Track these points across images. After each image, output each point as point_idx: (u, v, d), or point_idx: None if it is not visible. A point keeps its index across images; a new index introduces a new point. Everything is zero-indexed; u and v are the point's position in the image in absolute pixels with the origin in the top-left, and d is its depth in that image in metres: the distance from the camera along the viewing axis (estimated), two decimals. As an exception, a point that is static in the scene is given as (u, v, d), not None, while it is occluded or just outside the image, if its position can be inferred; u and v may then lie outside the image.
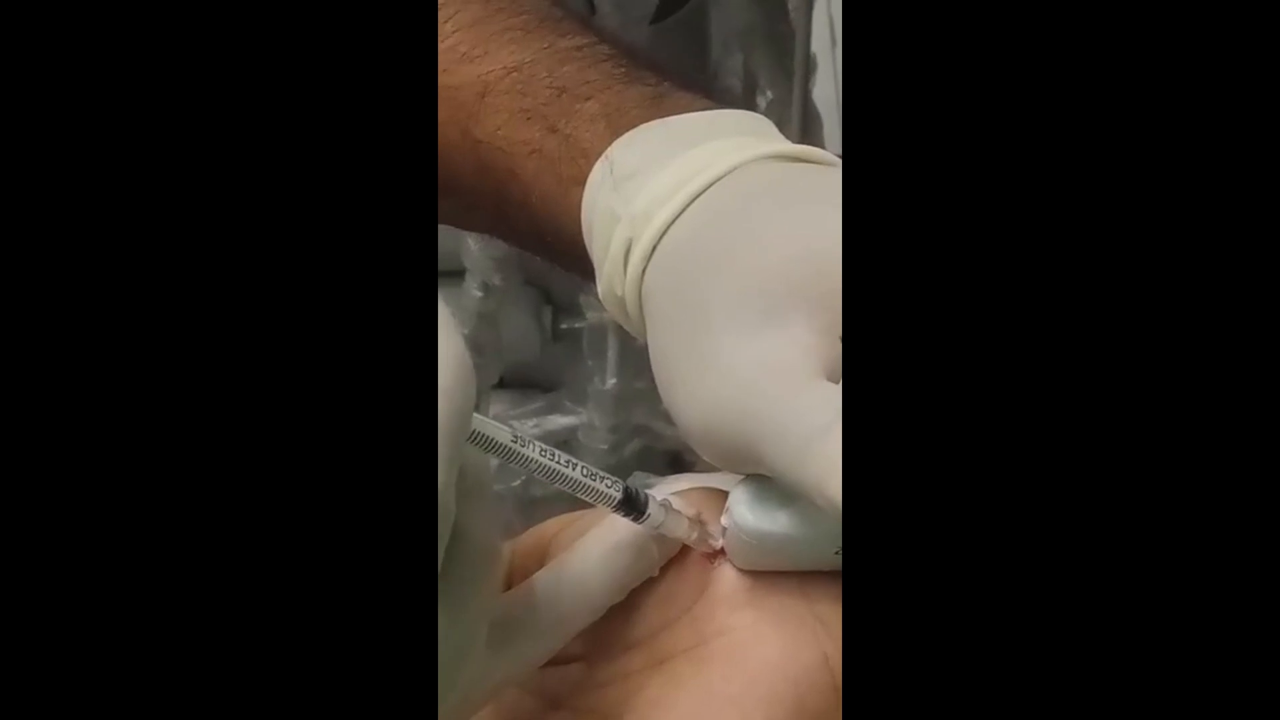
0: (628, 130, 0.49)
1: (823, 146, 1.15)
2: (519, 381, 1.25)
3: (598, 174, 0.49)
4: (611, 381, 1.12)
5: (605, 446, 1.14)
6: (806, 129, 1.10)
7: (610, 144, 0.49)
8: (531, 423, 1.18)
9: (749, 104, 1.17)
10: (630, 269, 0.47)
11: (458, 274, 1.14)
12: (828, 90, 1.30)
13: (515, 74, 0.53)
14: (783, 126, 1.12)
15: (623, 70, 0.52)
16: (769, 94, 1.14)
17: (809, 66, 1.10)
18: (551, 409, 1.18)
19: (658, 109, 0.50)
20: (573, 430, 1.17)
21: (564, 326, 1.18)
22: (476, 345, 1.16)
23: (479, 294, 1.14)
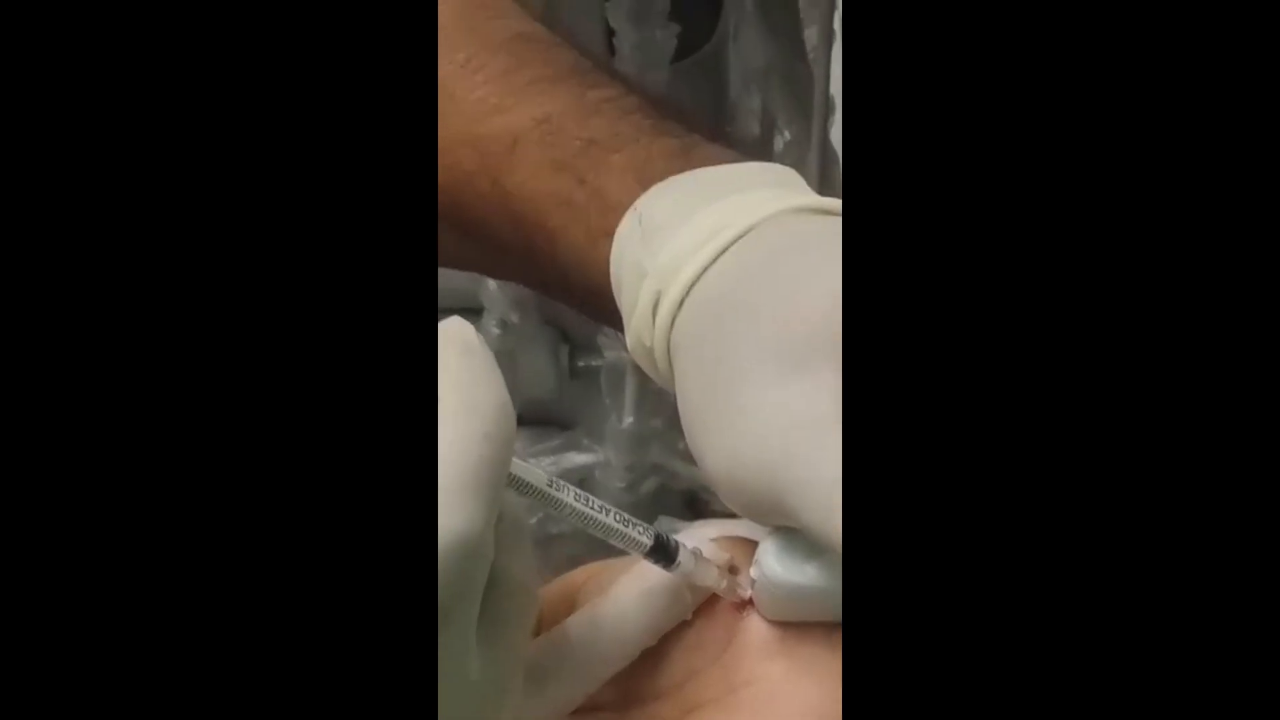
0: (656, 182, 0.50)
1: (840, 186, 1.15)
2: (536, 419, 1.24)
3: (626, 226, 0.49)
4: (629, 420, 1.12)
5: (622, 485, 1.14)
6: (824, 170, 1.10)
7: (638, 197, 0.50)
8: (549, 460, 1.18)
9: (767, 144, 1.18)
10: (659, 321, 0.48)
11: (475, 311, 1.14)
12: (846, 131, 1.30)
13: (544, 125, 0.53)
14: (800, 167, 1.12)
15: (650, 122, 0.52)
16: (787, 134, 1.14)
17: (828, 108, 1.10)
18: (569, 447, 1.18)
19: (685, 161, 0.50)
20: (590, 469, 1.17)
21: (581, 364, 1.18)
22: (494, 383, 1.15)
23: (497, 331, 1.14)
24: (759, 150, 1.18)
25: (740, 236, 0.47)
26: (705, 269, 0.47)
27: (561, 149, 0.52)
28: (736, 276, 0.46)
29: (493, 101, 0.54)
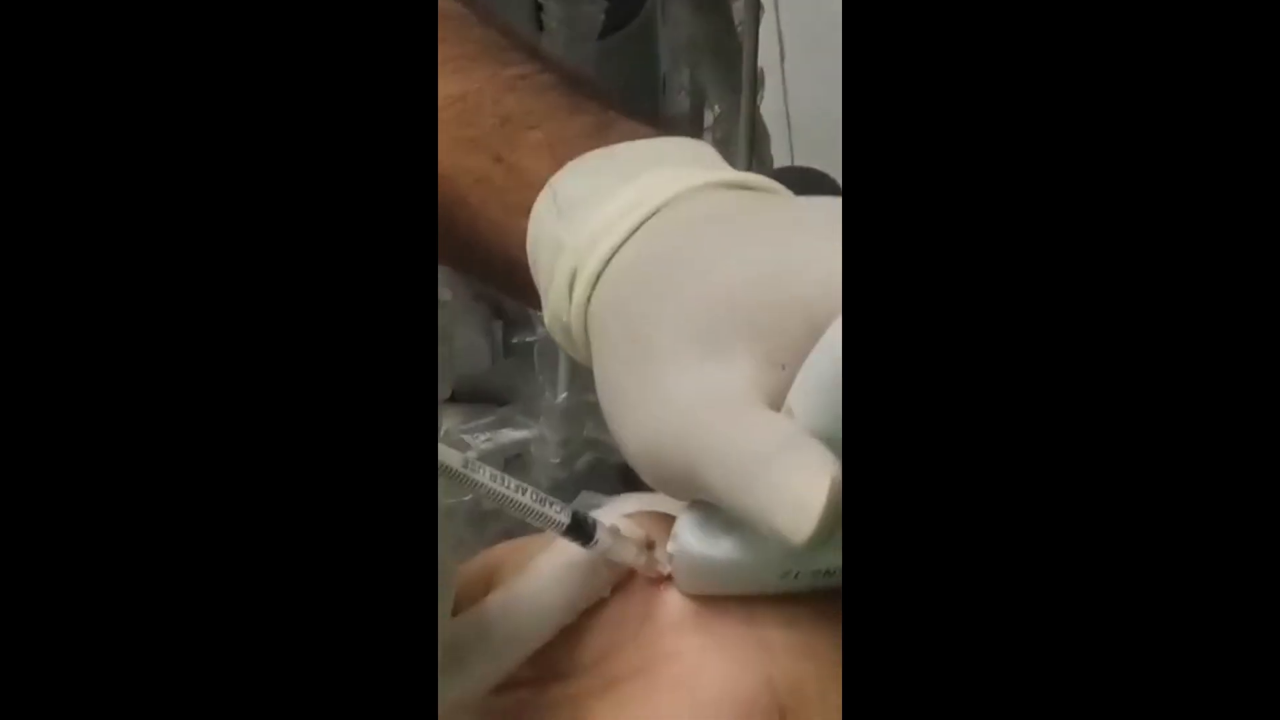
0: (571, 159, 0.50)
1: (770, 158, 1.15)
2: (471, 395, 1.25)
3: (542, 203, 0.49)
4: (563, 396, 1.12)
5: (557, 460, 1.14)
6: (754, 142, 1.10)
7: (555, 173, 0.50)
8: (484, 437, 1.18)
9: (697, 118, 1.18)
10: (575, 297, 0.48)
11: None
12: (776, 104, 1.31)
13: (460, 104, 0.53)
14: (731, 140, 1.12)
15: (567, 99, 0.52)
16: (717, 108, 1.15)
17: (756, 81, 1.11)
18: (503, 423, 1.18)
19: (601, 138, 0.50)
20: (525, 444, 1.17)
21: (515, 341, 1.18)
22: (428, 360, 1.15)
23: (430, 309, 1.14)
24: (690, 125, 1.18)
25: (655, 212, 0.47)
26: (621, 244, 0.47)
27: (477, 127, 0.52)
28: (651, 253, 0.46)
29: None
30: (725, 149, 1.15)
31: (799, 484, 0.39)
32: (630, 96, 1.11)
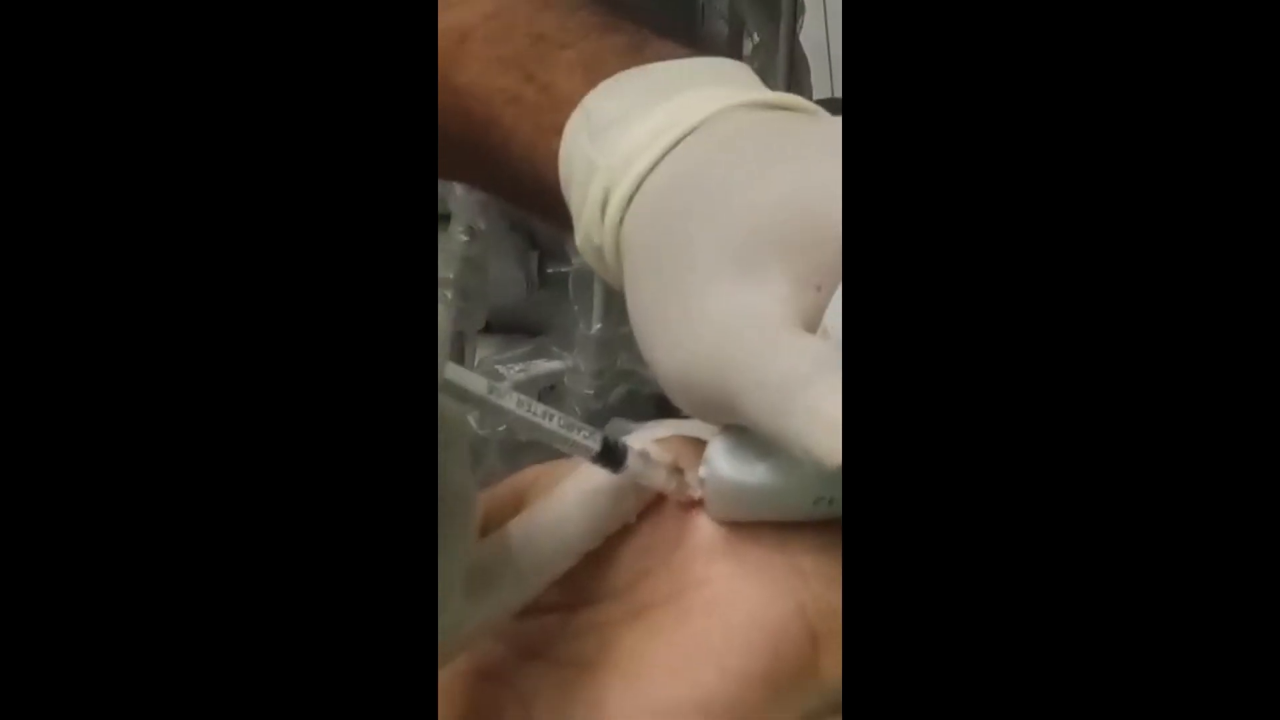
0: (605, 78, 0.49)
1: (809, 89, 1.14)
2: (505, 326, 1.25)
3: (575, 123, 0.49)
4: (597, 327, 1.12)
5: (591, 391, 1.14)
6: (793, 72, 1.09)
7: (588, 93, 0.49)
8: (518, 367, 1.18)
9: (736, 47, 1.17)
10: (608, 218, 0.47)
11: (443, 218, 1.14)
12: (816, 33, 1.29)
13: (494, 21, 0.52)
14: (769, 70, 1.11)
15: (600, 19, 0.52)
16: (755, 37, 1.14)
17: (796, 9, 1.10)
18: (538, 354, 1.18)
19: (636, 57, 0.50)
20: (559, 375, 1.17)
21: (550, 271, 1.18)
22: (463, 290, 1.15)
23: (464, 238, 1.14)
24: (728, 52, 1.17)
25: (690, 132, 0.46)
26: (654, 165, 0.46)
27: (510, 45, 0.52)
28: (685, 173, 0.46)
29: None
30: (763, 79, 1.14)
31: (834, 406, 0.38)
32: (664, 26, 1.10)
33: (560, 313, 1.18)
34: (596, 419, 1.15)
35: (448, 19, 0.53)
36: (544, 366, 1.18)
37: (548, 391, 1.19)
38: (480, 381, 0.41)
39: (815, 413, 0.38)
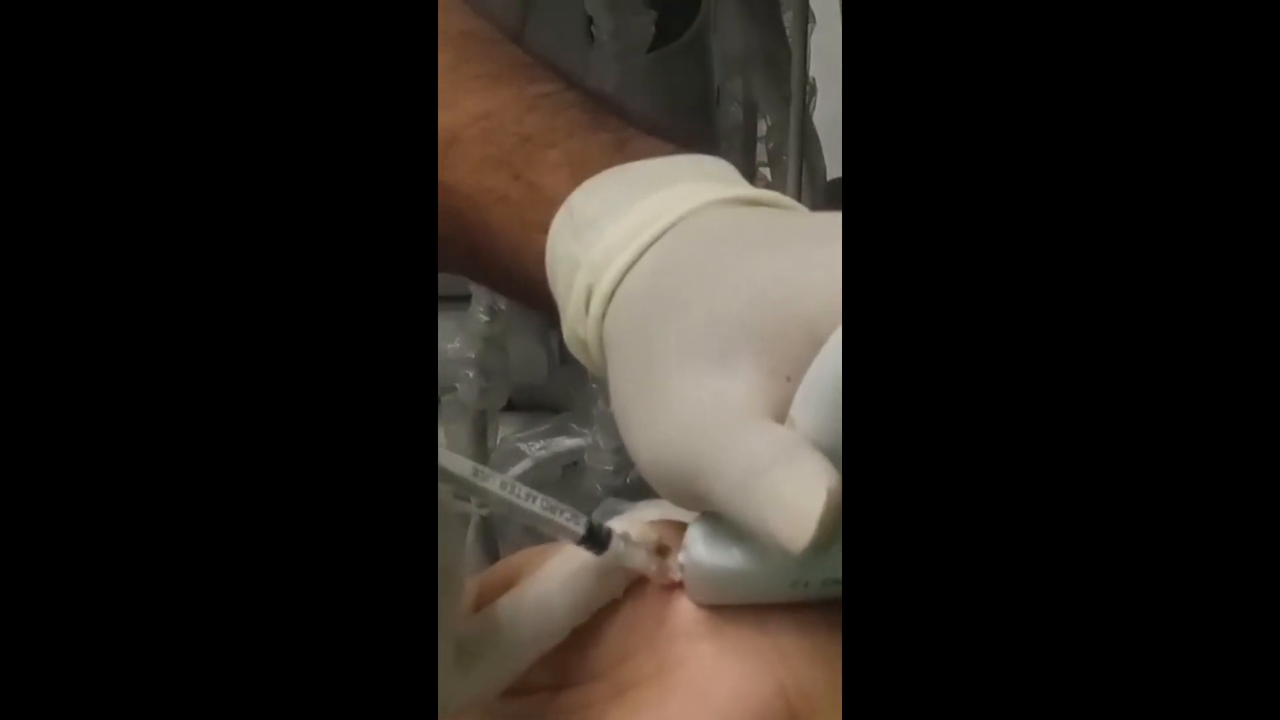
0: (589, 177, 0.51)
1: (823, 169, 1.15)
2: (527, 404, 1.26)
3: (560, 221, 0.50)
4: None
5: (610, 468, 1.15)
6: (805, 152, 1.11)
7: (572, 191, 0.51)
8: (539, 444, 1.19)
9: (750, 129, 1.18)
10: (591, 314, 0.49)
11: (464, 299, 1.16)
12: (829, 114, 1.31)
13: (483, 122, 0.54)
14: (782, 150, 1.13)
15: (588, 118, 0.53)
16: (769, 119, 1.15)
17: (807, 90, 1.11)
18: (558, 431, 1.19)
19: (619, 155, 0.51)
20: (579, 452, 1.18)
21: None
22: (484, 369, 1.17)
23: (485, 318, 1.15)
24: (743, 134, 1.19)
25: (668, 229, 0.48)
26: (634, 262, 0.48)
27: (498, 145, 0.53)
28: (662, 269, 0.47)
29: None
30: (778, 159, 1.16)
31: (797, 493, 0.40)
32: (678, 110, 1.12)
33: (580, 390, 1.19)
34: (618, 495, 1.16)
35: (440, 120, 0.55)
36: (565, 443, 1.19)
37: (570, 468, 1.20)
38: (466, 464, 0.43)
39: (777, 499, 0.40)
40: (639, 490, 1.16)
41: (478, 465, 0.43)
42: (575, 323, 0.50)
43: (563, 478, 1.19)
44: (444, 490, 0.42)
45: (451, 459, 0.42)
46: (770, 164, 1.18)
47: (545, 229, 0.51)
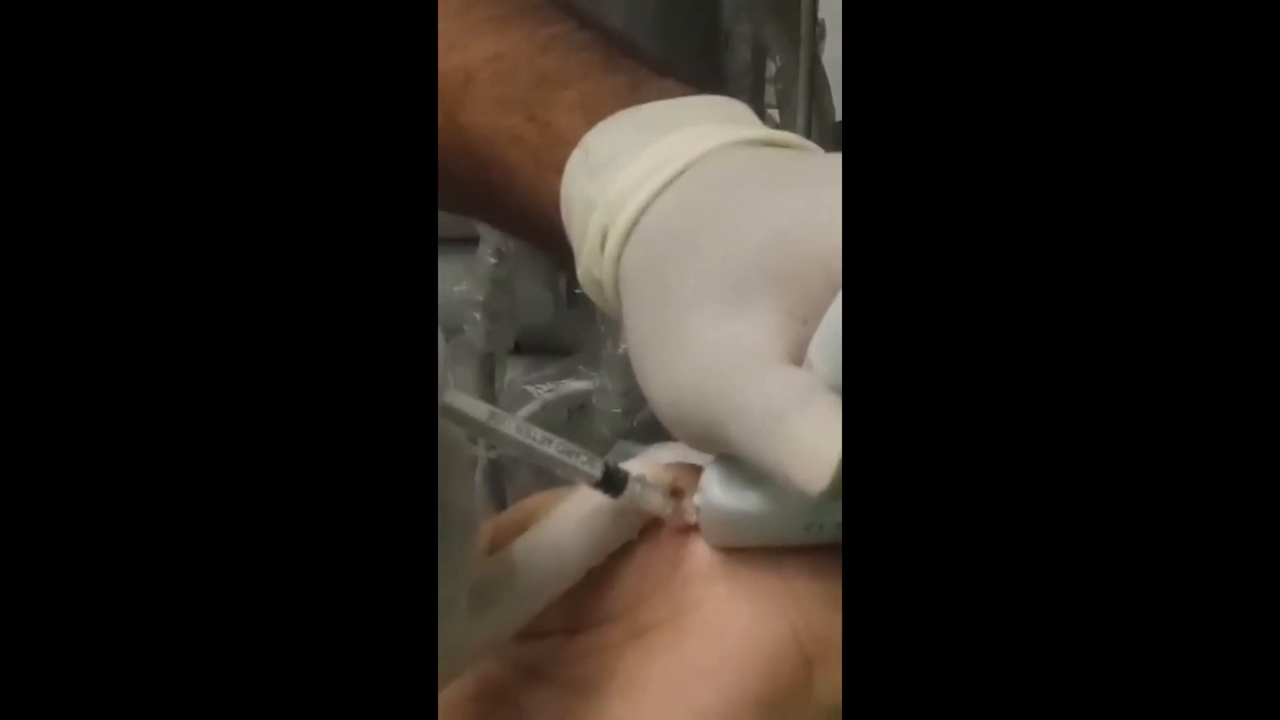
0: (604, 118, 0.50)
1: (831, 110, 1.15)
2: (534, 347, 1.26)
3: (575, 162, 0.50)
4: (623, 347, 1.13)
5: (619, 410, 1.15)
6: (814, 94, 1.11)
7: (587, 132, 0.50)
8: (546, 387, 1.19)
9: (759, 71, 1.18)
10: (606, 254, 0.49)
11: (472, 240, 1.16)
12: (838, 55, 1.30)
13: (497, 62, 0.54)
14: (791, 91, 1.12)
15: (601, 59, 0.53)
16: (778, 60, 1.15)
17: (818, 32, 1.11)
18: (566, 373, 1.20)
19: (634, 96, 0.51)
20: (587, 395, 1.19)
21: (578, 291, 1.19)
22: (491, 311, 1.17)
23: (493, 260, 1.15)
24: (752, 75, 1.18)
25: (683, 170, 0.48)
26: (649, 203, 0.48)
27: (513, 86, 0.53)
28: (678, 210, 0.47)
29: (447, 40, 0.55)
30: (787, 101, 1.15)
31: (814, 436, 0.40)
32: (687, 52, 1.11)
33: (588, 333, 1.19)
34: (625, 437, 1.17)
35: (452, 61, 0.55)
36: (572, 386, 1.19)
37: (577, 410, 1.20)
38: (481, 407, 0.42)
39: (795, 442, 0.40)
40: (647, 433, 1.16)
41: (493, 408, 0.43)
42: (590, 263, 0.49)
43: (570, 420, 1.20)
44: (457, 433, 0.42)
45: (466, 401, 0.42)
46: (779, 106, 1.18)
47: (560, 170, 0.51)
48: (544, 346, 1.27)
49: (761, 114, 1.16)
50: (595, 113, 0.51)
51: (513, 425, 0.43)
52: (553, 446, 0.44)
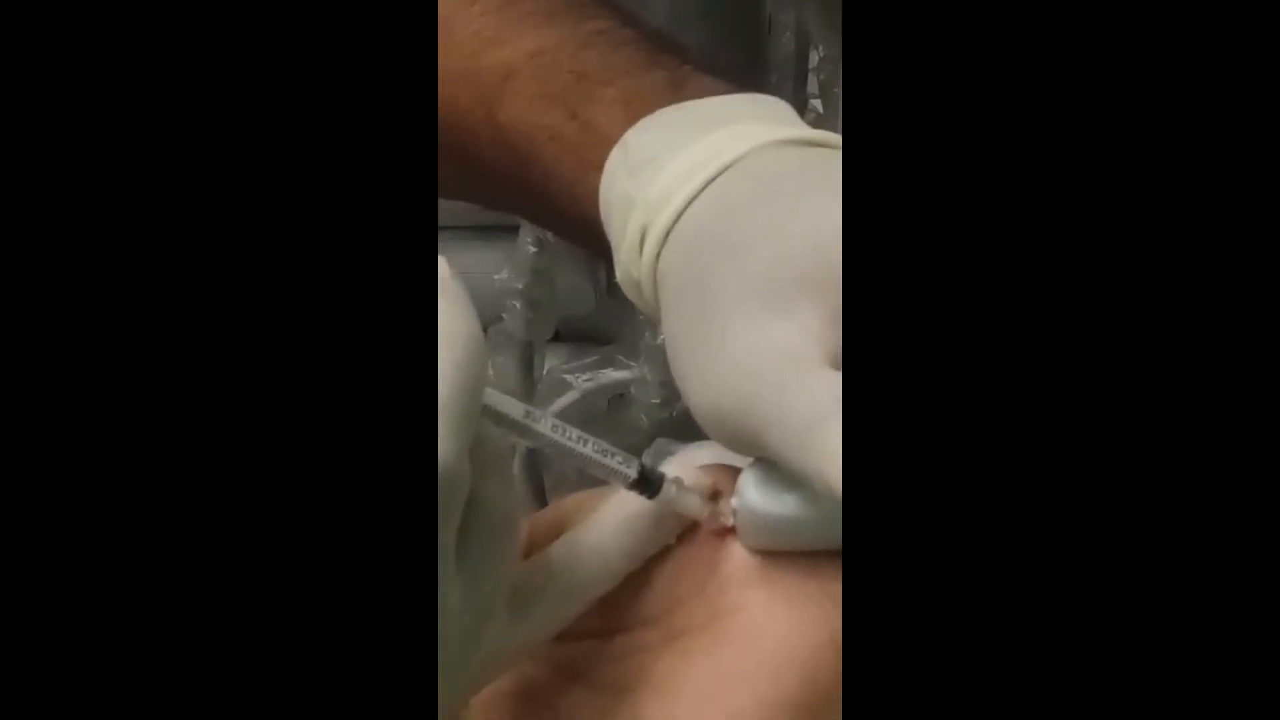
0: (645, 115, 0.50)
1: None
2: (574, 336, 1.26)
3: (615, 160, 0.50)
4: (662, 337, 1.13)
5: (657, 401, 1.15)
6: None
7: (628, 129, 0.50)
8: (585, 376, 1.19)
9: (802, 60, 1.17)
10: (645, 254, 0.48)
11: (512, 229, 1.15)
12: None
13: (538, 58, 0.54)
14: (835, 82, 1.11)
15: (643, 55, 0.53)
16: (821, 50, 1.14)
17: (861, 22, 1.10)
18: (605, 363, 1.19)
19: (676, 94, 0.51)
20: (626, 384, 1.18)
21: (617, 281, 1.19)
22: (531, 300, 1.16)
23: (533, 249, 1.15)
24: (795, 65, 1.18)
25: (725, 169, 0.47)
26: (690, 202, 0.47)
27: (554, 82, 0.53)
28: (720, 210, 0.47)
29: (488, 35, 0.55)
30: (829, 91, 1.14)
31: None
32: (730, 40, 1.11)
33: (627, 322, 1.19)
34: (664, 428, 1.16)
35: (494, 57, 0.54)
36: (612, 376, 1.19)
37: (616, 399, 1.20)
38: (517, 406, 0.42)
39: (834, 449, 0.39)
40: (686, 424, 1.15)
41: (529, 407, 0.43)
42: (629, 262, 0.49)
43: (609, 410, 1.19)
44: (497, 433, 0.42)
45: (503, 400, 0.42)
46: (822, 95, 1.17)
47: (600, 167, 0.51)
48: (584, 335, 1.26)
49: (804, 103, 1.16)
50: (637, 110, 0.51)
51: (548, 424, 0.43)
52: (589, 446, 0.44)
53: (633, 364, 1.17)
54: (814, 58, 1.17)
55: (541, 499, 1.14)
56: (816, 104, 1.17)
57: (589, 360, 1.20)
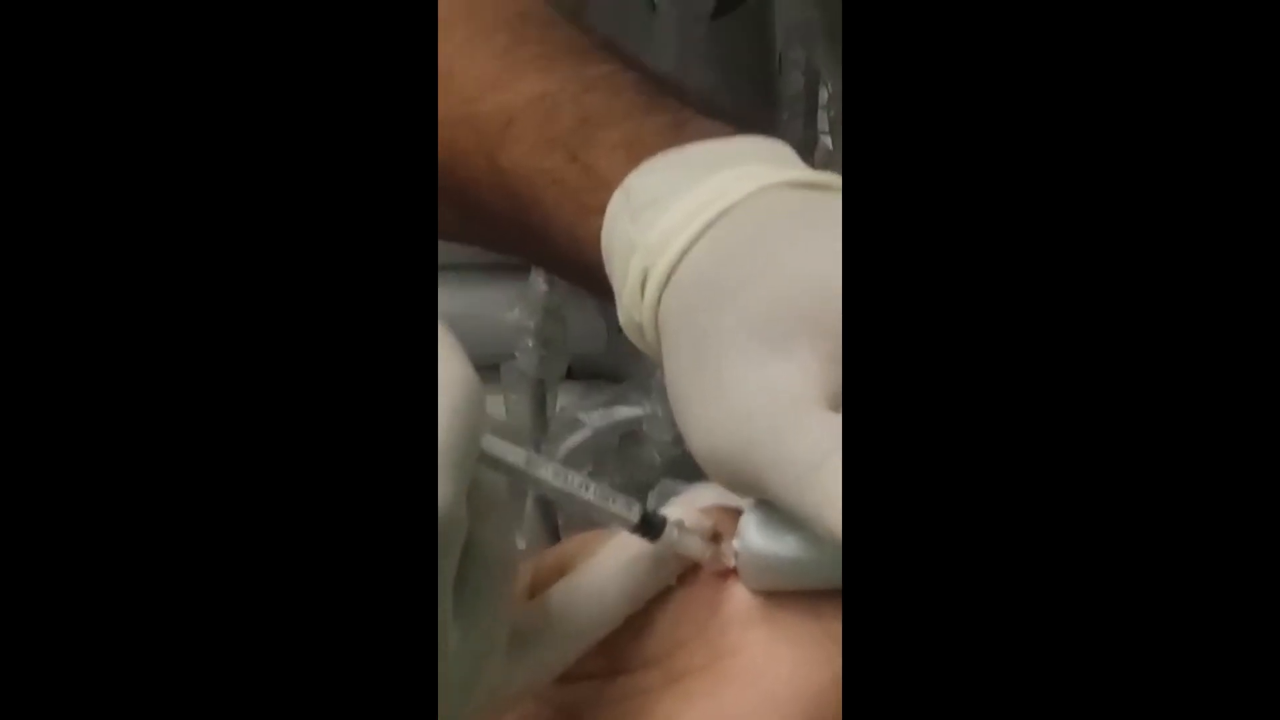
0: (647, 159, 0.50)
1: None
2: (587, 373, 1.26)
3: (616, 203, 0.50)
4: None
5: (669, 438, 1.15)
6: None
7: (629, 173, 0.50)
8: (598, 413, 1.19)
9: (811, 97, 1.18)
10: (647, 297, 0.48)
11: (524, 268, 1.16)
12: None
13: (540, 103, 0.54)
14: (842, 120, 1.12)
15: (645, 99, 0.53)
16: (830, 87, 1.14)
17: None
18: (617, 400, 1.19)
19: (677, 137, 0.51)
20: (638, 421, 1.18)
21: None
22: (543, 338, 1.17)
23: (545, 287, 1.15)
24: (804, 102, 1.18)
25: (725, 212, 0.48)
26: (690, 245, 0.48)
27: (555, 126, 0.53)
28: (720, 253, 0.47)
29: (490, 79, 0.55)
30: (839, 127, 1.15)
31: None
32: (739, 78, 1.11)
33: (639, 360, 1.19)
34: (676, 464, 1.16)
35: (495, 101, 0.55)
36: (624, 413, 1.19)
37: (628, 437, 1.20)
38: (518, 453, 0.43)
39: (832, 492, 0.40)
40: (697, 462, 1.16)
41: (530, 453, 0.43)
42: (631, 306, 0.49)
43: (621, 446, 1.19)
44: (496, 479, 0.42)
45: (504, 448, 0.42)
46: (831, 131, 1.17)
47: (602, 211, 0.51)
48: (596, 373, 1.27)
49: (814, 140, 1.16)
50: (638, 153, 0.51)
51: (550, 470, 0.43)
52: (590, 492, 0.44)
53: (645, 401, 1.18)
54: (824, 94, 1.17)
55: (555, 537, 1.14)
56: (826, 140, 1.17)
57: (601, 398, 1.20)
